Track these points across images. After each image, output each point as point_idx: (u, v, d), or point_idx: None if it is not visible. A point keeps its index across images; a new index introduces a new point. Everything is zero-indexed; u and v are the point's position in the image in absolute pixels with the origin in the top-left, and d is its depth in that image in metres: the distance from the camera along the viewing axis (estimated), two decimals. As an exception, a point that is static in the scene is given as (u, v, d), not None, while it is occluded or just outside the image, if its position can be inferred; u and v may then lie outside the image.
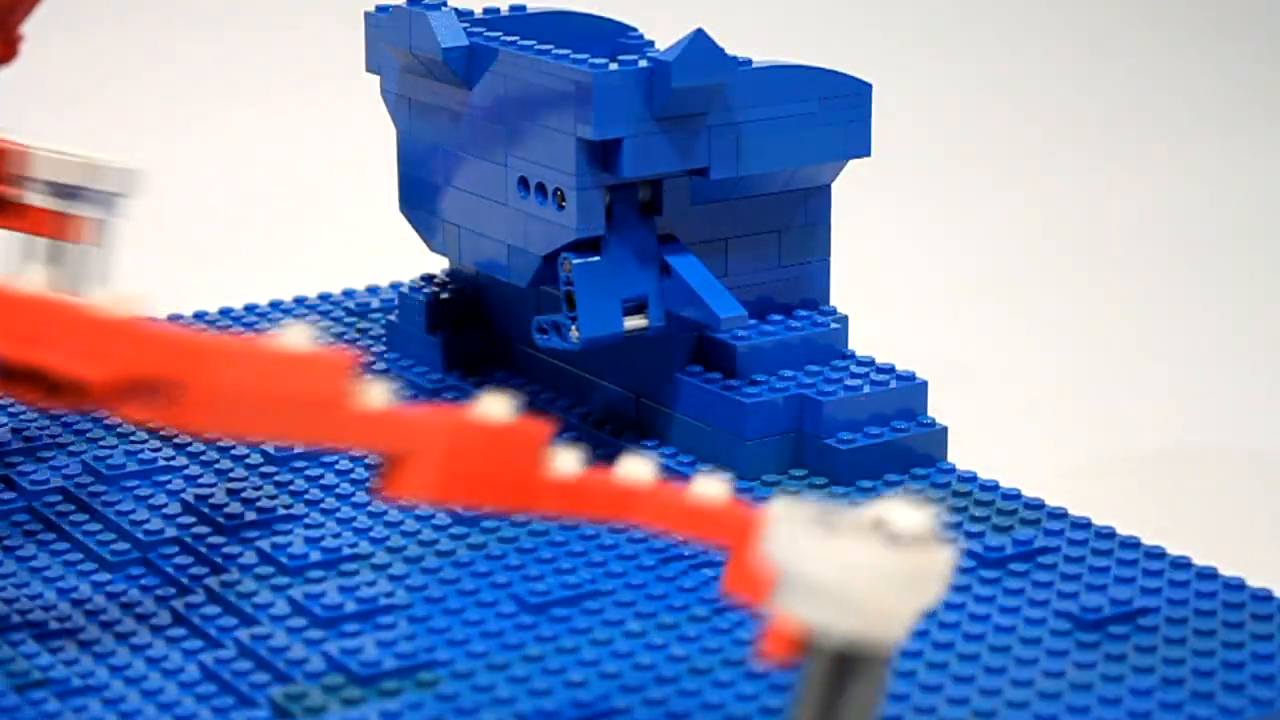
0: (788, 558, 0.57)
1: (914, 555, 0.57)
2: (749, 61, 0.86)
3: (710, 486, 0.61)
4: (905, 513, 0.57)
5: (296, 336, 0.58)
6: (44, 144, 0.88)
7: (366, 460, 0.87)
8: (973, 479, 0.85)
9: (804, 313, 0.91)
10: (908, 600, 0.57)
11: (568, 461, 0.62)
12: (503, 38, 0.89)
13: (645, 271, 0.86)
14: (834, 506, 0.59)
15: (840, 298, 0.93)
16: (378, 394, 0.59)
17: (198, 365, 0.57)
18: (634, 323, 0.85)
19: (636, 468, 0.62)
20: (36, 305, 0.57)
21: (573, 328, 0.85)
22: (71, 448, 0.88)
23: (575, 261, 0.84)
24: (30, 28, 0.89)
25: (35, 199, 0.87)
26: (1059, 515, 0.82)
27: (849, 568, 0.56)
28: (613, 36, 0.94)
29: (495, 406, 0.61)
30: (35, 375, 0.57)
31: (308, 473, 0.86)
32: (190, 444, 0.88)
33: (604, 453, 0.88)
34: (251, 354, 0.58)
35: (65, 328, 0.57)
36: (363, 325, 1.03)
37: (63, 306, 0.57)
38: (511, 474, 0.61)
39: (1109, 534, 0.80)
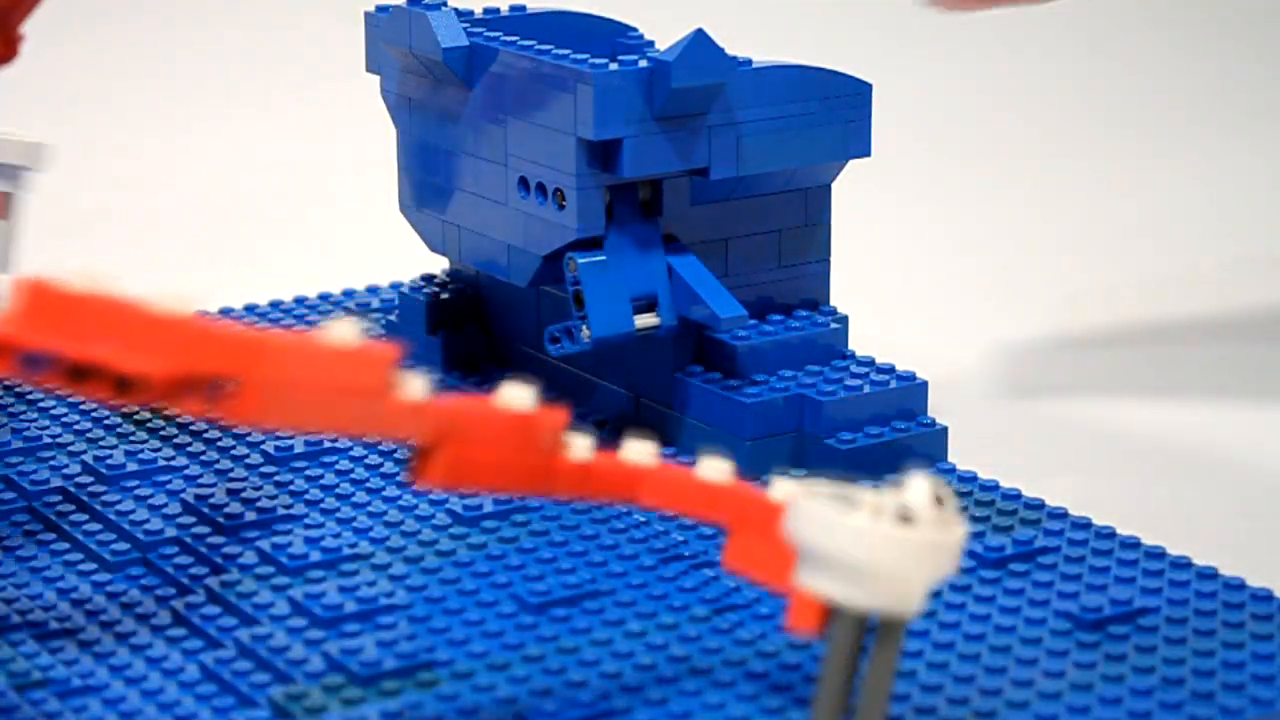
0: (811, 534, 0.60)
1: (932, 529, 0.59)
2: (749, 61, 0.86)
3: (714, 467, 0.65)
4: (922, 489, 0.60)
5: (344, 330, 0.60)
6: None
7: (366, 460, 0.87)
8: (973, 479, 0.85)
9: (804, 313, 0.91)
10: (925, 572, 0.60)
11: (581, 446, 0.64)
12: (503, 38, 0.89)
13: (653, 269, 0.85)
14: (850, 485, 0.61)
15: (840, 298, 0.93)
16: (419, 385, 0.61)
17: (253, 360, 0.59)
18: (645, 321, 0.85)
19: (641, 450, 0.65)
20: (98, 303, 0.58)
21: (584, 327, 0.85)
22: (71, 448, 0.88)
23: (581, 261, 0.84)
24: (31, 28, 0.89)
25: None
26: (1059, 515, 0.82)
27: (870, 542, 0.59)
28: (613, 36, 0.94)
29: (518, 395, 0.63)
30: (99, 372, 0.58)
31: (308, 473, 0.86)
32: (190, 444, 0.88)
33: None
34: (303, 348, 0.59)
35: (126, 325, 0.58)
36: (363, 325, 1.03)
37: (124, 305, 0.58)
38: (534, 459, 0.64)
39: (1109, 534, 0.80)
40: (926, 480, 0.60)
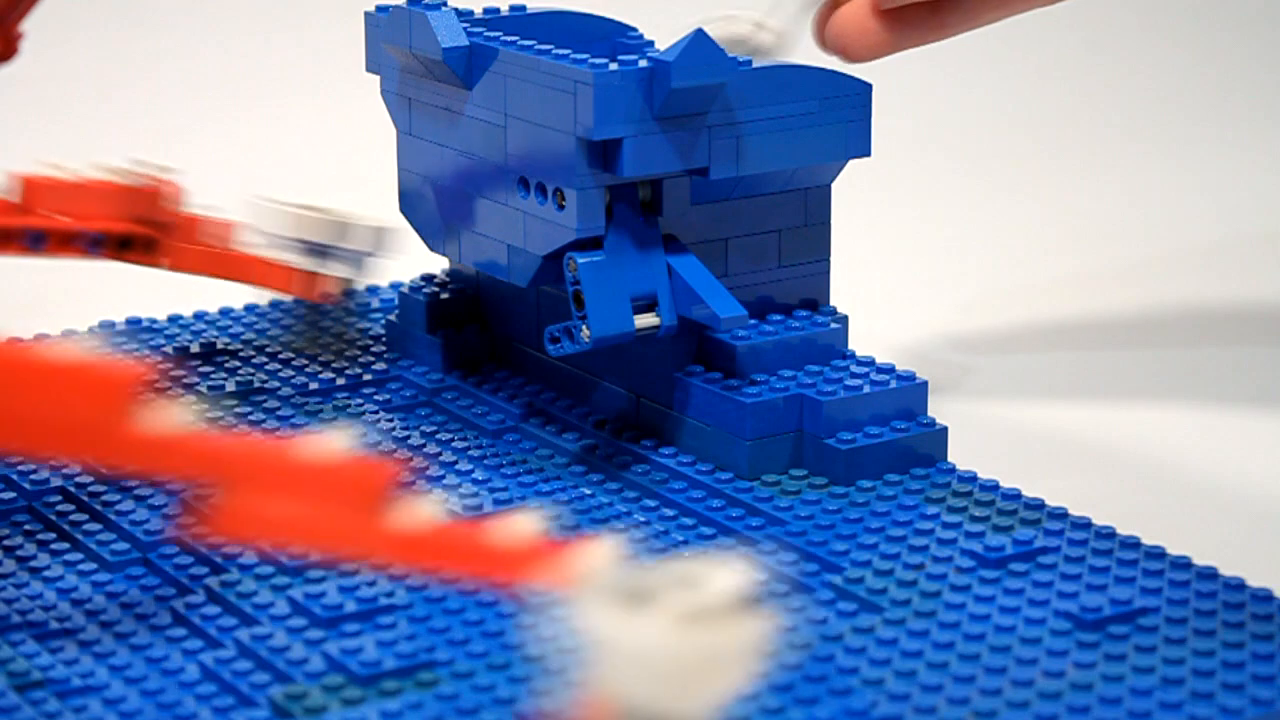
0: (590, 630, 0.52)
1: (712, 634, 0.51)
2: (749, 61, 0.86)
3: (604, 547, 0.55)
4: (712, 585, 0.52)
5: (74, 350, 0.55)
6: (289, 199, 0.87)
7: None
8: (973, 479, 0.85)
9: (804, 313, 0.91)
10: (705, 680, 0.52)
11: (416, 509, 0.56)
12: (503, 38, 0.89)
13: (653, 269, 0.85)
14: (645, 573, 0.53)
15: (840, 298, 0.93)
16: (173, 417, 0.55)
17: None
18: (645, 321, 0.85)
19: (518, 524, 0.57)
20: None
21: (584, 327, 0.84)
22: (71, 448, 0.88)
23: (581, 260, 0.84)
24: (31, 28, 0.89)
25: (283, 256, 0.86)
26: (1059, 515, 0.82)
27: (647, 646, 0.51)
28: (613, 36, 0.94)
29: (329, 443, 0.56)
30: None
31: (308, 473, 0.86)
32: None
33: (605, 452, 0.88)
34: (19, 366, 0.54)
35: None
36: (363, 325, 1.03)
37: None
38: (337, 517, 0.56)
39: (1109, 534, 0.80)
40: (721, 573, 0.52)
